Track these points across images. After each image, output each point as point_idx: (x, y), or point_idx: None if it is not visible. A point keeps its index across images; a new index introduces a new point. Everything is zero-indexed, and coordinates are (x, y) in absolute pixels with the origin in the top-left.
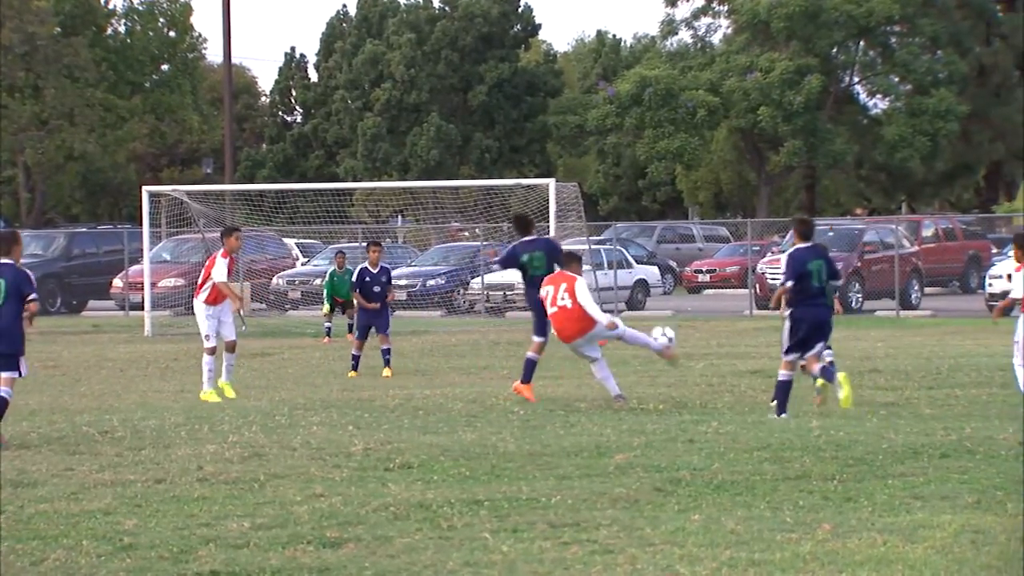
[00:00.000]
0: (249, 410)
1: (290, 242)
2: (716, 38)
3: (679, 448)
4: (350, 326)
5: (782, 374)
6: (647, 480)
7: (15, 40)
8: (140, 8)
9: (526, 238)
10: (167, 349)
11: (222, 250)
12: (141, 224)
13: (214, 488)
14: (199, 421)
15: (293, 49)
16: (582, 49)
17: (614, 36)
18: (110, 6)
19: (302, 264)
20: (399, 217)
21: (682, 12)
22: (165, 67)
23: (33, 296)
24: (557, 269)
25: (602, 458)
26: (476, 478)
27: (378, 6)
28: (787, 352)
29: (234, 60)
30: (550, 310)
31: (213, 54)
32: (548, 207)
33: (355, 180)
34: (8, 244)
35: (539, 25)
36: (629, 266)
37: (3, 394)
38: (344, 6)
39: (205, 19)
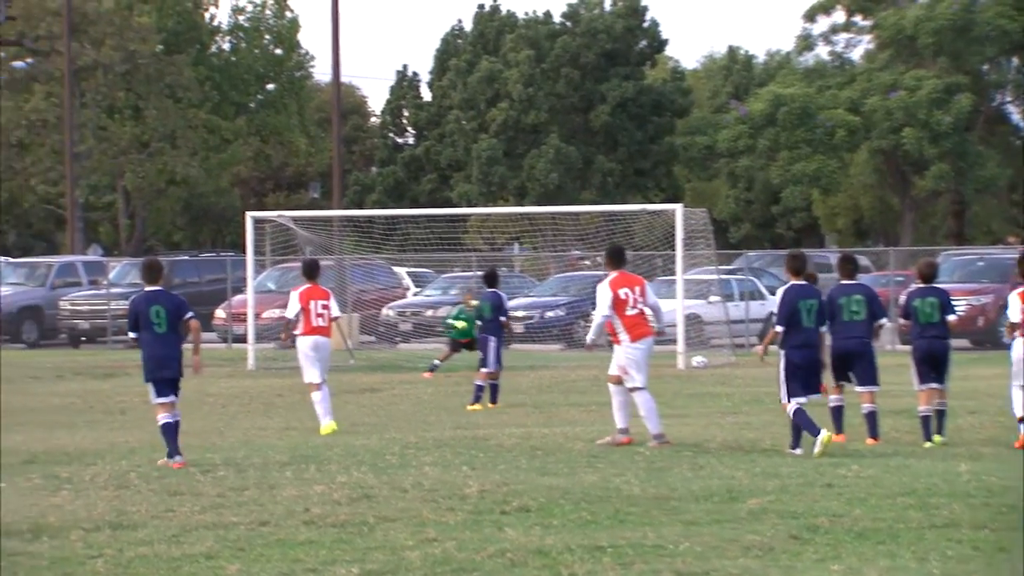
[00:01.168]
0: (358, 449)
1: (400, 271)
2: (856, 54)
3: (816, 493)
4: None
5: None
6: (782, 527)
7: (116, 58)
8: (246, 25)
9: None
10: (272, 384)
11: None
12: (245, 252)
13: (321, 531)
14: (305, 460)
15: (405, 67)
16: (712, 66)
17: (746, 52)
18: (214, 23)
19: (413, 294)
20: (516, 245)
21: (820, 27)
22: (271, 86)
23: (190, 314)
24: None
25: (733, 503)
26: (598, 523)
27: (495, 21)
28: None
29: (343, 79)
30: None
31: (321, 72)
32: (675, 234)
33: (469, 205)
34: (157, 271)
35: (666, 41)
36: (762, 297)
37: (171, 420)
38: (459, 21)
39: (313, 36)
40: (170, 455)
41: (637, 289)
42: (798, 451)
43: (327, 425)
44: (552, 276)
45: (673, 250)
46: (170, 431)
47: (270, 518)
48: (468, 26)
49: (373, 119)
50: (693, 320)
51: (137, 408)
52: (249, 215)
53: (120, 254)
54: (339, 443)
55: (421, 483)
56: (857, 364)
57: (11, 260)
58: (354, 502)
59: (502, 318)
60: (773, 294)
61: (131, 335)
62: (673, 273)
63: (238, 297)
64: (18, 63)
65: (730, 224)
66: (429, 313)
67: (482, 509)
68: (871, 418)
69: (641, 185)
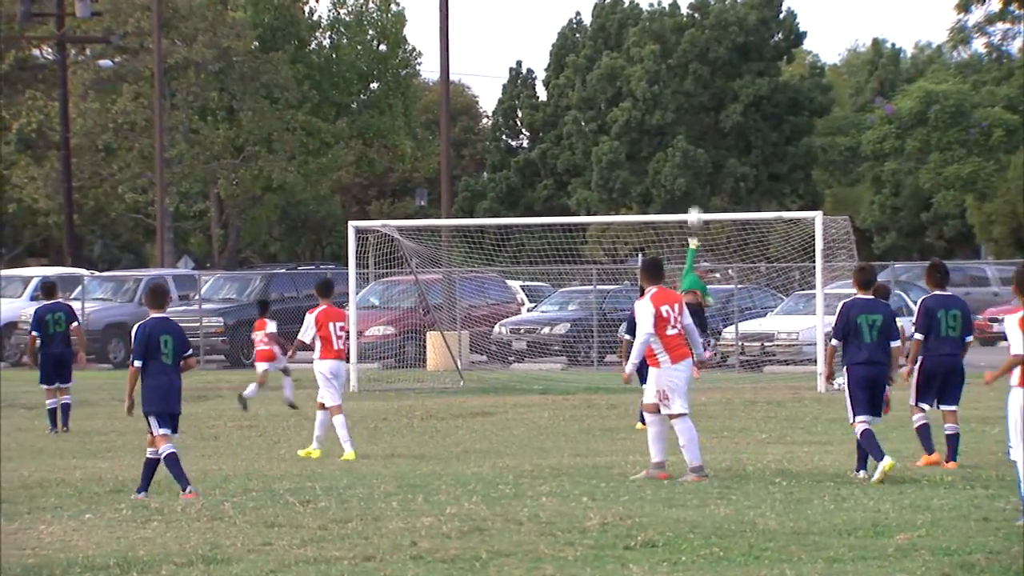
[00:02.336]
0: (469, 478)
1: (514, 285)
2: (1015, 46)
3: (971, 527)
4: None
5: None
6: (933, 564)
7: (208, 56)
8: (347, 19)
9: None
10: (376, 407)
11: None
12: (346, 264)
13: (429, 567)
14: (412, 490)
15: (519, 64)
16: (855, 61)
17: (893, 45)
18: (314, 17)
19: (528, 310)
20: (639, 256)
21: (975, 17)
22: (374, 86)
23: (190, 352)
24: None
25: (880, 538)
26: (731, 559)
27: (617, 13)
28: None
29: (452, 77)
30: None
31: (428, 70)
32: (814, 244)
33: (589, 213)
34: (163, 296)
35: (804, 33)
36: (910, 313)
37: (174, 449)
38: (578, 14)
39: (420, 31)
40: (185, 488)
41: (676, 307)
42: (862, 474)
43: (349, 452)
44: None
45: (812, 262)
46: (176, 462)
47: (375, 552)
48: (587, 19)
49: (484, 120)
50: None
51: (231, 434)
52: (351, 224)
53: (212, 267)
54: (448, 472)
55: (537, 515)
56: (949, 383)
57: (97, 274)
58: (465, 535)
59: None
60: None
61: (136, 364)
62: (812, 287)
63: None
64: (105, 61)
65: (875, 233)
66: (545, 330)
67: (604, 543)
68: (954, 440)
69: (777, 191)
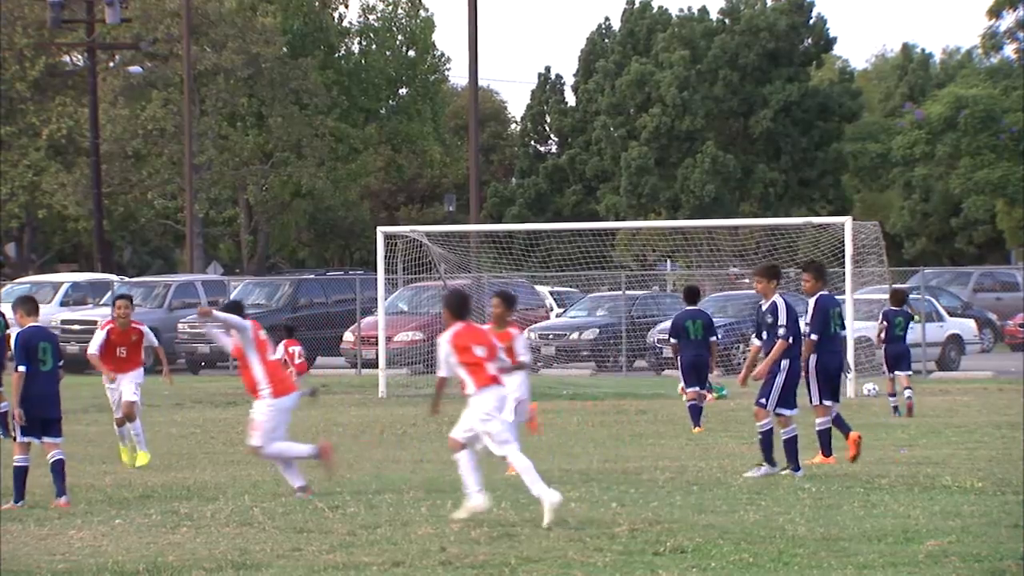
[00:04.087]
0: (497, 483)
1: (543, 290)
2: None
3: (1003, 534)
4: None
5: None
6: (964, 571)
7: (238, 62)
8: (377, 25)
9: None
10: (404, 413)
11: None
12: (375, 270)
13: (459, 573)
14: (441, 496)
15: (548, 69)
16: (884, 66)
17: (922, 50)
18: (343, 23)
19: (556, 315)
20: (668, 261)
21: (1007, 23)
22: (403, 91)
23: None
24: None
25: (910, 544)
26: (760, 565)
27: (646, 19)
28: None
29: (481, 82)
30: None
31: (457, 76)
32: (843, 250)
33: (617, 218)
34: (35, 305)
35: (834, 39)
36: (940, 319)
37: (25, 463)
38: (607, 19)
39: (448, 36)
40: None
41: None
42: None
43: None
44: (708, 295)
45: (842, 267)
46: (20, 475)
47: (404, 558)
48: (616, 24)
49: (513, 126)
50: (864, 344)
51: None
52: (380, 230)
53: (242, 272)
54: None
55: (566, 520)
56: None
57: (127, 279)
58: (494, 541)
59: (712, 338)
60: (953, 316)
61: (20, 369)
62: (842, 292)
63: (368, 319)
64: (134, 68)
65: (904, 238)
66: (574, 336)
67: (633, 549)
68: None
69: (806, 196)
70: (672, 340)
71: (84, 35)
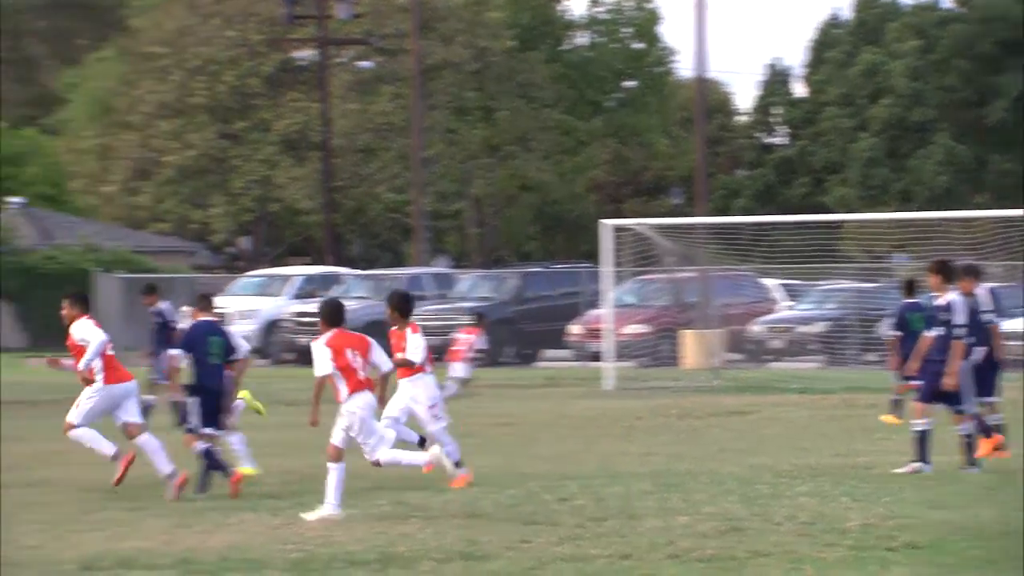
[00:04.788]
0: (725, 477)
1: (769, 283)
2: None
3: None
4: None
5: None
6: None
7: (466, 56)
8: (603, 17)
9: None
10: (631, 406)
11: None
12: (601, 263)
13: (687, 566)
14: (668, 489)
15: (776, 60)
16: None
17: None
18: (570, 16)
19: (784, 308)
20: (899, 254)
21: None
22: (629, 84)
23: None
24: None
25: None
26: (998, 562)
27: (877, 8)
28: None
29: (707, 74)
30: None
31: (684, 68)
32: None
33: (847, 211)
34: (210, 301)
35: None
36: None
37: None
38: (837, 9)
39: (675, 28)
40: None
41: None
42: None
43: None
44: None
45: None
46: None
47: (632, 551)
48: (847, 14)
49: (740, 117)
50: None
51: (486, 432)
52: (606, 223)
53: (469, 265)
54: (704, 470)
55: (795, 515)
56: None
57: (357, 272)
58: (722, 535)
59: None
60: None
61: (173, 353)
62: None
63: (594, 312)
64: (364, 63)
65: None
66: (801, 329)
67: (865, 545)
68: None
69: None
70: (895, 332)
71: (316, 31)
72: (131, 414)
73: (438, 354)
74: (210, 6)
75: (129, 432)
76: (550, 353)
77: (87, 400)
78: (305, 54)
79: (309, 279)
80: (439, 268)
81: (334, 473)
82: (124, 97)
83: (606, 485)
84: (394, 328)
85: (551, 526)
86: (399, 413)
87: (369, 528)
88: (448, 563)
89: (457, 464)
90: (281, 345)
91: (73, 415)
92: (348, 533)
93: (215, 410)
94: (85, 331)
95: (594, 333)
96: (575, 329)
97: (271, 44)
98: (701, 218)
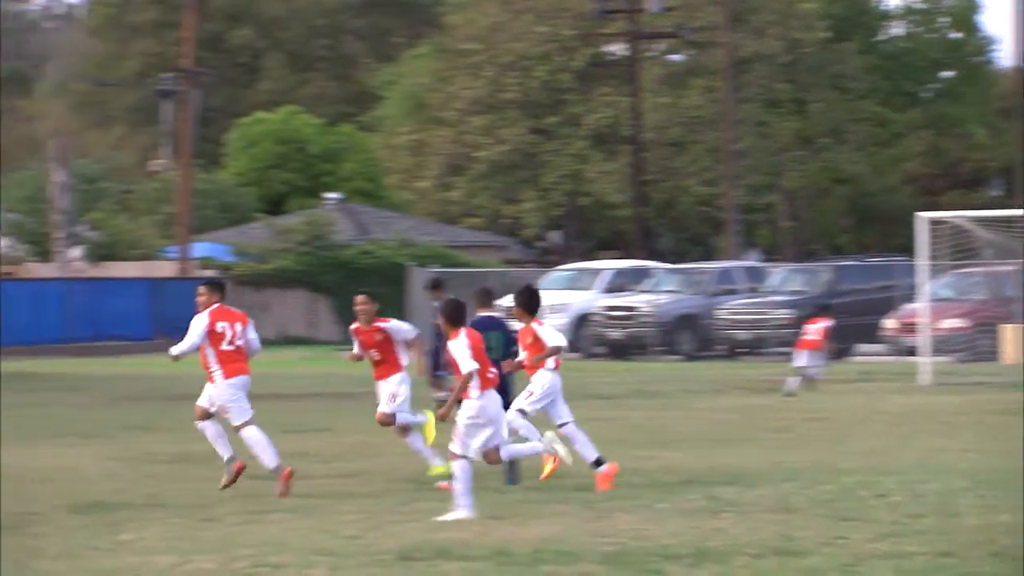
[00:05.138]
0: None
1: None
2: None
3: None
4: None
5: None
6: None
7: (778, 48)
8: (920, 7)
9: None
10: (949, 401)
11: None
12: (917, 256)
13: (1012, 565)
14: (988, 486)
15: None
16: None
17: None
18: (885, 7)
19: None
20: None
21: None
22: (947, 74)
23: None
24: None
25: None
26: None
27: None
28: None
29: None
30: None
31: (1003, 57)
32: None
33: None
34: (491, 296)
35: None
36: None
37: None
38: None
39: (994, 17)
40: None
41: None
42: None
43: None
44: None
45: None
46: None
47: (953, 548)
48: None
49: None
50: None
51: (801, 426)
52: (922, 215)
53: (780, 259)
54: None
55: None
56: None
57: (667, 266)
58: None
59: None
60: None
61: None
62: None
63: (910, 306)
64: (675, 56)
65: None
66: None
67: None
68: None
69: None
70: None
71: (627, 25)
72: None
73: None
74: (522, 2)
75: (236, 426)
76: (864, 347)
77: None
78: (616, 48)
79: (619, 273)
80: (750, 262)
81: (460, 473)
82: (438, 93)
83: (923, 481)
84: (522, 326)
85: (867, 522)
86: (529, 407)
87: (682, 522)
88: (763, 558)
89: (598, 463)
90: (592, 339)
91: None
92: (661, 527)
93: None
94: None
95: (909, 327)
96: (890, 323)
97: (582, 39)
98: (1022, 210)
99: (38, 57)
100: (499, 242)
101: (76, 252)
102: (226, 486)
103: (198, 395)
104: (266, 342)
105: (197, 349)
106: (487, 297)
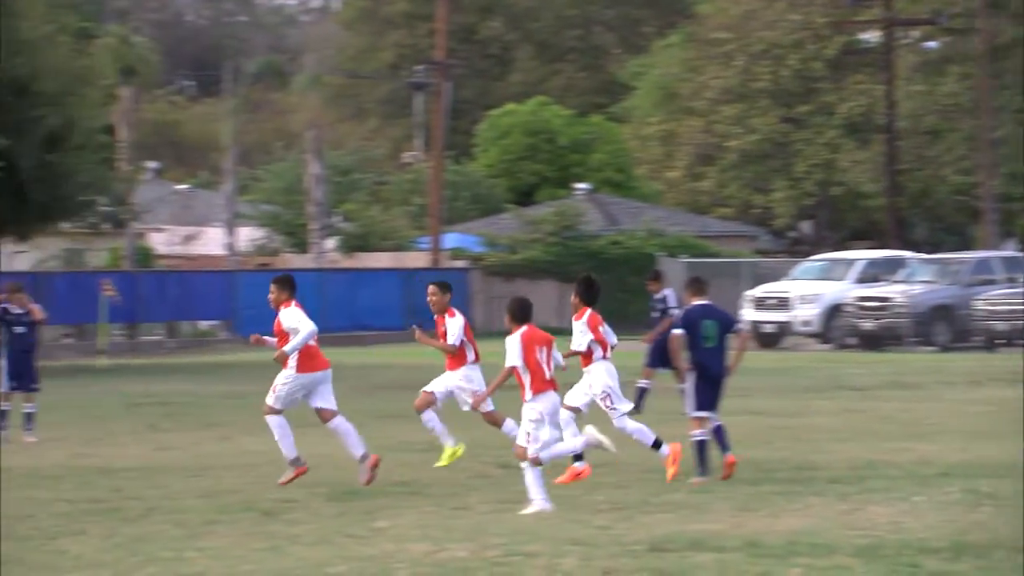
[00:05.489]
0: None
1: None
2: None
3: None
4: None
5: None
6: None
7: None
8: None
9: None
10: None
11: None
12: None
13: None
14: None
15: None
16: None
17: None
18: None
19: None
20: None
21: None
22: None
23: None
24: None
25: None
26: None
27: None
28: None
29: None
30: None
31: None
32: None
33: None
34: (703, 285)
35: None
36: None
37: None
38: None
39: None
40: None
41: None
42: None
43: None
44: None
45: None
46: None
47: None
48: None
49: None
50: None
51: None
52: None
53: None
54: None
55: None
56: None
57: (922, 256)
58: None
59: None
60: None
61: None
62: None
63: None
64: (930, 43)
65: None
66: None
67: None
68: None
69: None
70: None
71: (881, 12)
72: (324, 399)
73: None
74: None
75: (323, 417)
76: None
77: (281, 386)
78: (870, 36)
79: (872, 263)
80: (1008, 251)
81: (529, 472)
82: (688, 83)
83: None
84: (575, 314)
85: None
86: (581, 404)
87: (939, 515)
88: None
89: (579, 457)
90: (844, 329)
91: (271, 399)
92: (918, 520)
93: (713, 394)
94: (295, 319)
95: None
96: None
97: (835, 26)
98: None
99: (294, 51)
100: (749, 232)
101: (330, 243)
102: (367, 482)
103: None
104: None
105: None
106: (699, 286)
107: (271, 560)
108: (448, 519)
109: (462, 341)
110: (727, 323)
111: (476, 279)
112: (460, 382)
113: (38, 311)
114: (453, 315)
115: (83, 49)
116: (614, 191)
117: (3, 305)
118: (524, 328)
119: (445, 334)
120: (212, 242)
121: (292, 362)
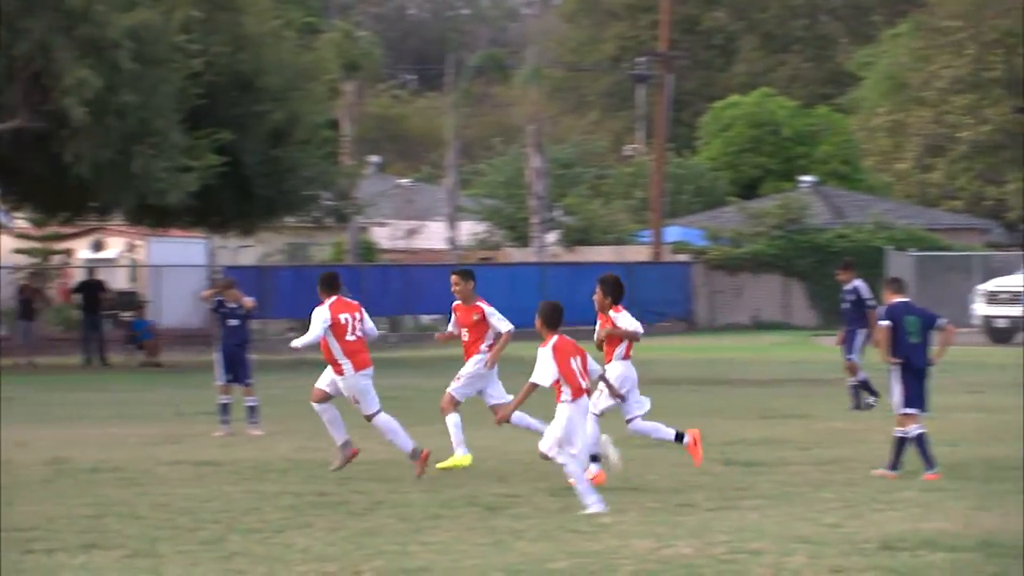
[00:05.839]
0: None
1: None
2: None
3: None
4: None
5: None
6: None
7: None
8: None
9: None
10: None
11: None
12: None
13: None
14: None
15: None
16: None
17: None
18: None
19: None
20: None
21: None
22: None
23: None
24: None
25: None
26: None
27: None
28: None
29: None
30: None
31: None
32: None
33: None
34: (903, 284)
35: None
36: None
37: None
38: None
39: None
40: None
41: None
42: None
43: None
44: None
45: None
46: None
47: None
48: None
49: None
50: None
51: None
52: None
53: None
54: None
55: None
56: None
57: None
58: None
59: None
60: None
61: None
62: None
63: None
64: None
65: None
66: None
67: None
68: None
69: None
70: None
71: None
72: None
73: None
74: None
75: (367, 416)
76: None
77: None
78: None
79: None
80: None
81: (577, 478)
82: (918, 73)
83: None
84: (600, 312)
85: None
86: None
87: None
88: None
89: (595, 458)
90: None
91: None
92: None
93: (919, 388)
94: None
95: None
96: None
97: None
98: None
99: (516, 44)
100: (981, 225)
101: (551, 237)
102: (337, 468)
103: (673, 380)
104: (738, 327)
105: (319, 341)
106: (899, 284)
107: (494, 555)
108: (672, 516)
109: (460, 330)
110: (929, 319)
111: (699, 273)
112: (472, 368)
113: (249, 301)
114: (481, 303)
115: (307, 44)
116: (840, 183)
117: (217, 299)
118: (555, 338)
119: (470, 324)
120: (434, 236)
121: (345, 363)
